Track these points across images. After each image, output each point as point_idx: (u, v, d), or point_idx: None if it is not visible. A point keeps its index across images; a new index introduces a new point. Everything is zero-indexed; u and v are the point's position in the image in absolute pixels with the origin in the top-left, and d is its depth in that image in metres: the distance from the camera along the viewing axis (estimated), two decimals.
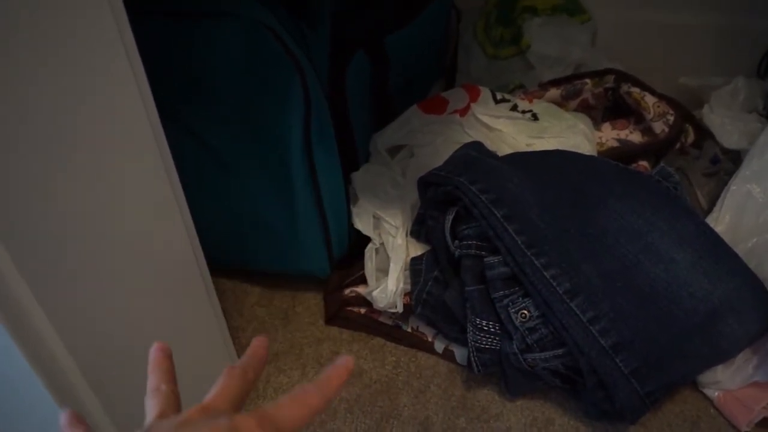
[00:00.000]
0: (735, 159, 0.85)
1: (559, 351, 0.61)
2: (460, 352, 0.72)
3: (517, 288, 0.63)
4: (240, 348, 0.73)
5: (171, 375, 0.32)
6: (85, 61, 0.38)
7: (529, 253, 0.61)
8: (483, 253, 0.65)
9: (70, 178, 0.39)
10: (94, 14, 0.38)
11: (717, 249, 0.65)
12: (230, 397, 0.29)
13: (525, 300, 0.62)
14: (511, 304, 0.62)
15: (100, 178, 0.42)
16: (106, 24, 0.39)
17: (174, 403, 0.30)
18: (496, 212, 0.63)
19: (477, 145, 0.76)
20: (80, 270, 0.41)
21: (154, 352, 0.33)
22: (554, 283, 0.60)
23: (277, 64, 0.64)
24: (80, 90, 0.38)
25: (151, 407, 0.29)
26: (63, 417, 0.31)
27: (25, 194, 0.36)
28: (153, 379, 0.31)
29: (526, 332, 0.61)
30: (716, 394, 0.66)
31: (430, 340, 0.74)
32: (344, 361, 0.30)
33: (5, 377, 0.41)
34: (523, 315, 0.62)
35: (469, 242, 0.65)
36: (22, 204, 0.36)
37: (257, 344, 0.34)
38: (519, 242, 0.62)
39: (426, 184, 0.72)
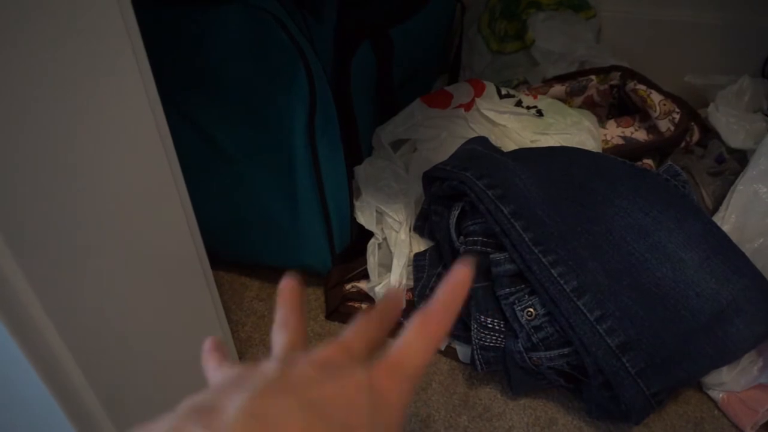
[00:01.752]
0: (740, 159, 0.84)
1: (565, 350, 0.60)
2: (462, 350, 0.71)
3: (523, 285, 0.62)
4: (239, 342, 0.71)
5: (300, 310, 0.29)
6: (88, 50, 0.37)
7: (536, 251, 0.60)
8: (488, 249, 0.64)
9: (69, 168, 0.38)
10: (99, 2, 0.37)
11: (725, 249, 0.64)
12: (367, 339, 0.26)
13: (531, 298, 0.61)
14: (517, 301, 0.61)
15: (100, 168, 0.40)
16: (110, 12, 0.38)
17: (302, 338, 0.28)
18: (503, 208, 0.62)
19: (482, 140, 0.75)
20: (78, 261, 0.40)
21: (284, 285, 0.30)
22: (561, 281, 0.59)
23: (282, 54, 0.62)
24: (82, 80, 0.37)
25: (280, 338, 0.27)
26: (207, 343, 0.29)
27: (24, 186, 0.35)
28: (281, 313, 0.28)
29: (532, 330, 0.60)
30: (720, 395, 0.66)
31: None
32: (460, 273, 0.27)
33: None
34: (529, 313, 0.61)
35: (475, 238, 0.64)
36: (19, 196, 0.34)
37: (392, 296, 0.30)
38: (526, 239, 0.61)
39: (431, 178, 0.71)
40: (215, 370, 0.27)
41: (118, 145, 0.42)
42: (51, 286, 0.37)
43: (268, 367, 0.23)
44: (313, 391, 0.22)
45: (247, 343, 0.75)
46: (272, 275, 0.84)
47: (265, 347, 0.74)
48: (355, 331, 0.26)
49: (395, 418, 0.23)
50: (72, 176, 0.38)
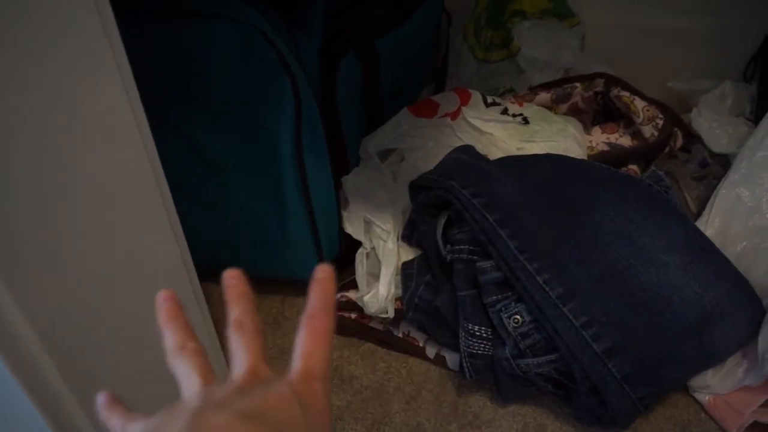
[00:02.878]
0: (723, 163, 0.85)
1: (552, 356, 0.61)
2: (451, 358, 0.72)
3: (509, 293, 0.62)
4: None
5: (190, 329, 0.28)
6: (71, 66, 0.37)
7: (521, 258, 0.61)
8: (475, 257, 0.65)
9: (53, 184, 0.38)
10: (81, 18, 0.37)
11: (707, 253, 0.65)
12: (262, 355, 0.27)
13: (518, 305, 0.62)
14: (503, 309, 0.62)
15: (85, 184, 0.41)
16: (92, 29, 0.38)
17: (207, 363, 0.27)
18: (488, 216, 0.63)
19: (468, 149, 0.75)
20: (62, 274, 0.40)
21: (164, 303, 0.29)
22: (547, 288, 0.60)
23: (268, 67, 0.63)
24: (65, 97, 0.37)
25: (187, 371, 0.26)
26: (100, 398, 0.28)
27: (7, 202, 0.35)
28: (174, 337, 0.28)
29: (519, 338, 0.61)
30: (707, 398, 0.66)
31: (421, 345, 0.74)
32: (322, 272, 0.29)
33: None
34: (516, 320, 0.61)
35: (461, 247, 0.65)
36: (3, 212, 0.35)
37: (231, 282, 0.30)
38: (511, 247, 0.61)
39: (417, 188, 0.72)
40: (129, 423, 0.26)
41: (104, 159, 0.42)
42: (36, 302, 0.38)
43: (190, 399, 0.24)
44: (244, 404, 0.22)
45: None
46: (262, 286, 0.83)
47: None
48: (251, 353, 0.27)
49: (325, 417, 0.25)
50: (56, 191, 0.38)
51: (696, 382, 0.66)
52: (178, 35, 0.64)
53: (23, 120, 0.35)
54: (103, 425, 0.28)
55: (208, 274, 0.78)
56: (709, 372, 0.65)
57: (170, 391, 0.32)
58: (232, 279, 0.30)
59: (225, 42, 0.63)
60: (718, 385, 0.65)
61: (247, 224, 0.75)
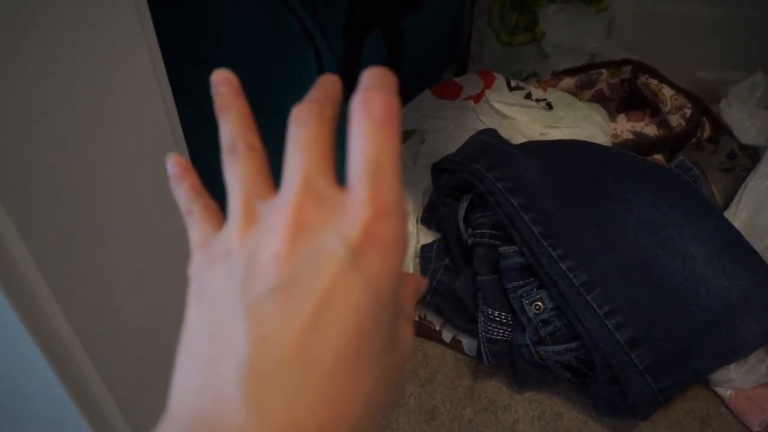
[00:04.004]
0: (751, 155, 0.83)
1: (573, 344, 0.60)
2: (468, 342, 0.71)
3: (531, 279, 0.61)
4: None
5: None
6: (101, 38, 0.36)
7: (545, 244, 0.60)
8: (497, 242, 0.63)
9: (80, 158, 0.37)
10: None
11: (736, 245, 0.64)
12: (324, 158, 0.20)
13: (540, 291, 0.60)
14: (525, 295, 0.61)
15: (110, 157, 0.40)
16: (123, 2, 0.37)
17: (260, 170, 0.21)
18: (512, 201, 0.62)
19: (492, 132, 0.74)
20: (89, 255, 0.40)
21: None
22: (571, 275, 0.58)
23: (292, 41, 0.62)
24: (93, 69, 0.36)
25: (233, 186, 0.21)
26: (170, 165, 0.24)
27: (36, 177, 0.34)
28: (227, 131, 0.22)
29: (540, 324, 0.60)
30: (728, 392, 0.65)
31: (437, 329, 0.73)
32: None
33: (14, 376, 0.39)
34: (537, 306, 0.60)
35: (484, 231, 0.64)
36: (31, 190, 0.34)
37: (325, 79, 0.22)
38: (535, 232, 0.60)
39: (440, 170, 0.71)
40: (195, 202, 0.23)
41: (128, 133, 0.41)
42: (67, 282, 0.37)
43: (233, 273, 0.18)
44: (303, 298, 0.17)
45: None
46: None
47: None
48: (303, 154, 0.19)
49: (397, 306, 0.18)
50: (81, 165, 0.38)
51: (718, 375, 0.65)
52: (201, 7, 0.63)
53: (42, 93, 0.34)
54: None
55: None
56: (732, 366, 0.64)
57: None
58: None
59: (249, 13, 0.62)
60: (740, 379, 0.64)
61: None
